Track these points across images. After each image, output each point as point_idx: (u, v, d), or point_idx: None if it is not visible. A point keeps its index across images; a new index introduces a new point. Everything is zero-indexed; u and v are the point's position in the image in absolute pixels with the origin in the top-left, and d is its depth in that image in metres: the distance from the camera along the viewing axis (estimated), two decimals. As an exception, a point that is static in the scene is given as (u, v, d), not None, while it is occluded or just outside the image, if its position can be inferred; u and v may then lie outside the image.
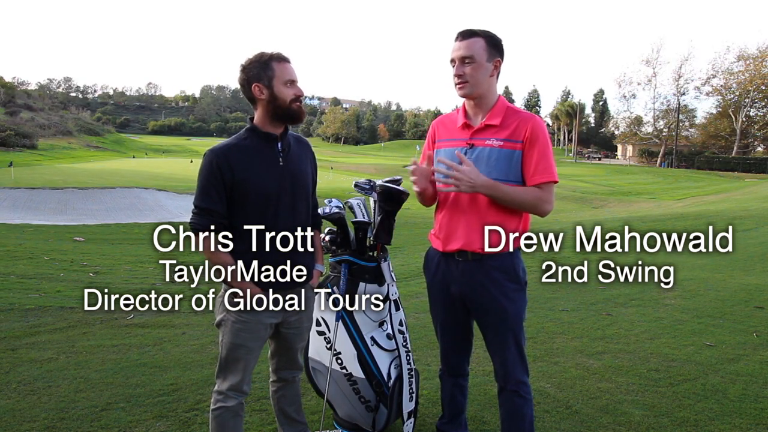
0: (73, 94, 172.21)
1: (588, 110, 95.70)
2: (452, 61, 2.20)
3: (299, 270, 2.29)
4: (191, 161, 53.30)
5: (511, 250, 2.21)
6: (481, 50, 2.15)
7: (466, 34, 2.17)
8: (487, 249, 2.18)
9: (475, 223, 2.20)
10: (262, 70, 2.12)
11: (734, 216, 14.23)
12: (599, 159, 74.11)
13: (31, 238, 12.51)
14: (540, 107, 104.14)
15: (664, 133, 62.42)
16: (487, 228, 2.18)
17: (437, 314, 2.46)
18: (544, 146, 2.16)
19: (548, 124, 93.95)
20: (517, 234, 2.23)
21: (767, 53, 54.56)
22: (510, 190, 2.14)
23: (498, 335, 2.27)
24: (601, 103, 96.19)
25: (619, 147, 77.04)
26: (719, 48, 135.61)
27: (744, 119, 56.38)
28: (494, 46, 2.18)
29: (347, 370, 2.69)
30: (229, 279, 2.15)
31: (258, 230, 2.16)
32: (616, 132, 74.11)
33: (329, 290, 2.71)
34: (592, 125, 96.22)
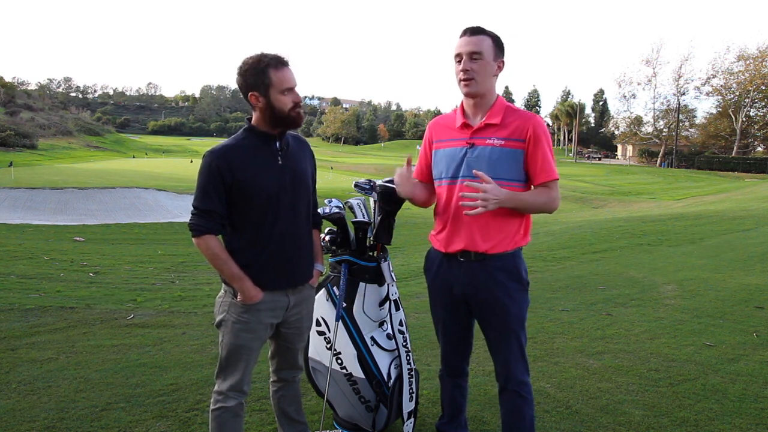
0: (73, 94, 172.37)
1: (588, 110, 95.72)
2: (458, 56, 2.17)
3: (298, 269, 2.30)
4: (191, 161, 53.31)
5: (513, 249, 2.22)
6: (490, 48, 2.15)
7: (475, 31, 2.16)
8: (490, 249, 2.18)
9: (477, 223, 2.19)
10: (259, 78, 2.06)
11: (734, 216, 14.23)
12: (599, 159, 74.08)
13: (31, 238, 12.51)
14: (540, 107, 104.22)
15: (664, 133, 62.36)
16: (490, 228, 2.18)
17: (438, 315, 2.46)
18: (547, 145, 2.18)
19: (548, 124, 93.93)
20: (520, 233, 2.23)
21: (767, 53, 54.52)
22: (526, 197, 2.16)
23: (500, 335, 2.27)
24: (601, 103, 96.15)
25: (619, 147, 77.02)
26: (719, 48, 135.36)
27: (744, 119, 56.32)
28: (499, 46, 2.19)
29: (347, 370, 2.69)
30: (228, 279, 2.15)
31: (258, 230, 2.16)
32: (616, 132, 74.01)
33: (329, 290, 2.71)
34: (592, 125, 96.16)
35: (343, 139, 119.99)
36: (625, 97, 65.21)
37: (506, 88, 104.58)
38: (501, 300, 2.21)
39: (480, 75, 2.15)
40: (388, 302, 2.73)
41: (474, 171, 2.11)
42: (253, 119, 2.19)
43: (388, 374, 2.67)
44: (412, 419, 2.68)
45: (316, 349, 2.80)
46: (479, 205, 2.04)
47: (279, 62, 2.07)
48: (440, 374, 2.59)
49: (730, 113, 57.19)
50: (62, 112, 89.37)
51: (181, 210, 22.26)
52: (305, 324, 2.41)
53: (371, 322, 2.71)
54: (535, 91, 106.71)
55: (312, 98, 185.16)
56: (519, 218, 2.22)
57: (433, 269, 2.39)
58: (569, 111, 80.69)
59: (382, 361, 2.69)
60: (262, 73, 2.06)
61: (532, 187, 2.23)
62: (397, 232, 2.82)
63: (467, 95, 2.21)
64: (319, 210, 2.55)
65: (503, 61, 2.21)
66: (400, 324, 2.75)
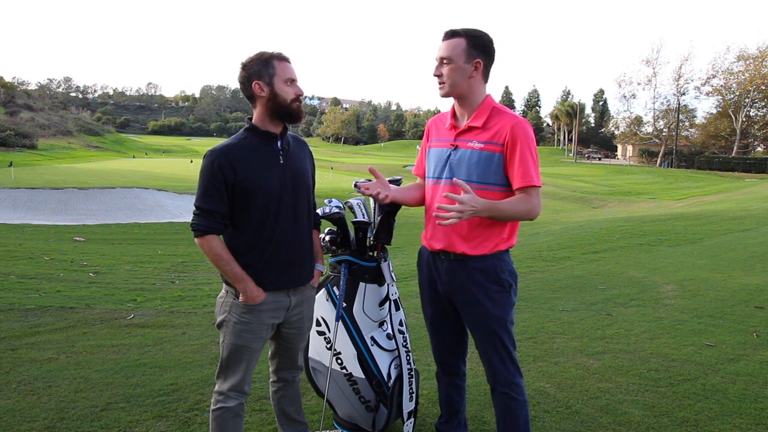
0: (73, 94, 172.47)
1: (588, 110, 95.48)
2: (436, 60, 2.21)
3: (299, 269, 2.30)
4: (191, 161, 53.31)
5: (494, 252, 2.20)
6: (460, 51, 2.13)
7: (448, 34, 2.16)
8: (470, 251, 2.19)
9: (456, 225, 2.16)
10: (263, 67, 2.12)
11: (734, 216, 14.23)
12: (599, 159, 74.00)
13: (31, 238, 12.51)
14: (540, 107, 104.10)
15: (664, 133, 62.28)
16: (470, 230, 2.18)
17: (427, 312, 2.48)
18: (525, 149, 2.10)
19: (548, 124, 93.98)
20: (503, 236, 2.22)
21: (767, 53, 54.48)
22: (505, 206, 2.08)
23: (482, 336, 2.27)
24: (601, 103, 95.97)
25: (619, 147, 76.94)
26: (719, 48, 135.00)
27: (744, 119, 56.23)
28: (476, 46, 2.14)
29: (347, 370, 2.69)
30: (231, 280, 2.15)
31: (260, 230, 2.16)
32: (616, 132, 73.89)
33: (329, 290, 2.71)
34: (592, 125, 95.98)
35: (343, 139, 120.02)
36: (625, 97, 65.14)
37: (506, 88, 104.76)
38: (481, 301, 2.21)
39: (450, 78, 2.15)
40: (388, 302, 2.73)
41: (454, 180, 2.06)
42: (254, 117, 2.20)
43: (388, 374, 2.68)
44: (412, 419, 2.68)
45: (316, 349, 2.80)
46: (453, 216, 1.97)
47: (282, 56, 2.16)
48: (436, 373, 2.60)
49: (730, 113, 57.11)
50: (62, 112, 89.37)
51: (181, 210, 22.27)
52: (306, 324, 2.41)
53: (371, 322, 2.71)
54: (535, 91, 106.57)
55: (312, 98, 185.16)
56: (502, 222, 2.20)
57: (422, 266, 2.43)
58: (569, 111, 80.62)
59: (382, 361, 2.69)
60: (266, 62, 2.13)
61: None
62: (397, 232, 2.83)
63: (442, 97, 2.23)
64: (318, 210, 2.56)
65: (481, 62, 2.15)
66: (400, 324, 2.75)
